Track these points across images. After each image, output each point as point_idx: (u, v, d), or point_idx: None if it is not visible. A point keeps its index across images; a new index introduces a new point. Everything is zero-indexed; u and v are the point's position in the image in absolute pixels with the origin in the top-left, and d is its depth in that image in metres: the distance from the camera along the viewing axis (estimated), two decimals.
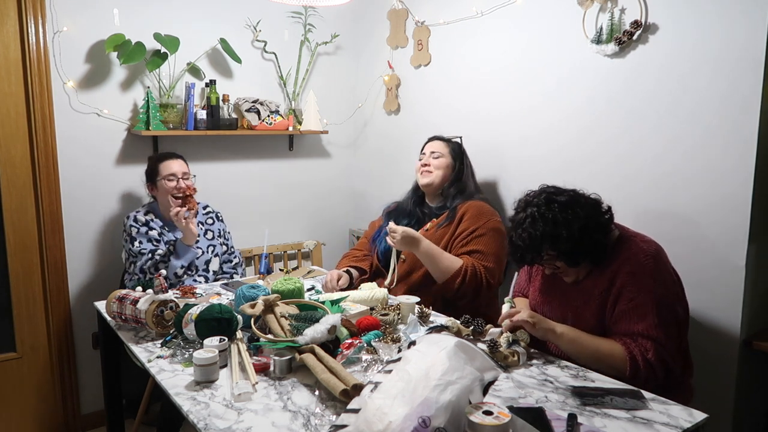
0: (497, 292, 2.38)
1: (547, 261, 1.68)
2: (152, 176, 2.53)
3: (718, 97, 1.86)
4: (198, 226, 2.60)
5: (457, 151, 2.41)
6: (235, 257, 2.73)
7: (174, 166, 2.50)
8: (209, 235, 2.63)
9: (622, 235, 1.69)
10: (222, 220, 2.74)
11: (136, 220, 2.49)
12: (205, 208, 2.70)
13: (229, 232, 2.76)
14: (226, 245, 2.71)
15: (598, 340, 1.60)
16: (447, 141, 2.43)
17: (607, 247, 1.66)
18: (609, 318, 1.63)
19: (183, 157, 2.58)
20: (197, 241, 2.51)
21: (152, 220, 2.51)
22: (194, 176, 2.61)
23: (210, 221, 2.67)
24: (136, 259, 2.43)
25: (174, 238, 2.49)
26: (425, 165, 2.37)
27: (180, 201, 2.41)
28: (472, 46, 2.67)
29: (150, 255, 2.41)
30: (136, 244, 2.45)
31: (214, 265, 2.60)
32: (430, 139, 2.46)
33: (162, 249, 2.44)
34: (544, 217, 1.62)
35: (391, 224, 2.16)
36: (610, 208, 1.70)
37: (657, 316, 1.55)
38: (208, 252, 2.58)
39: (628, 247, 1.64)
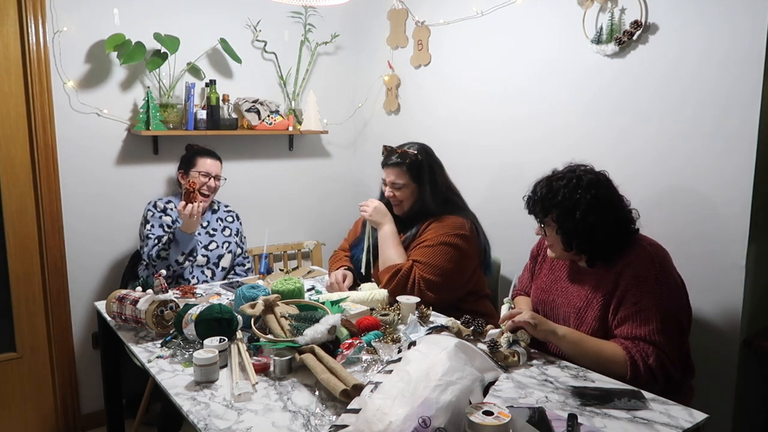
0: (486, 294, 2.37)
1: (545, 223, 1.70)
2: (188, 166, 2.59)
3: (718, 96, 1.86)
4: (217, 221, 2.67)
5: (416, 170, 2.17)
6: (248, 261, 2.77)
7: (212, 166, 2.58)
8: (227, 231, 2.67)
9: (614, 254, 1.67)
10: (240, 221, 2.78)
11: (155, 205, 2.55)
12: (227, 206, 2.77)
13: (245, 236, 2.80)
14: (241, 248, 2.74)
15: (600, 343, 1.60)
16: (402, 164, 2.16)
17: (612, 249, 1.65)
18: (611, 320, 1.62)
19: (221, 160, 2.66)
20: (212, 234, 2.60)
21: (172, 209, 2.55)
22: (225, 179, 2.66)
23: (230, 219, 2.73)
24: (144, 243, 2.47)
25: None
26: (392, 197, 2.23)
27: (186, 198, 2.35)
28: (473, 46, 2.67)
29: (156, 241, 2.43)
30: (148, 227, 2.49)
31: (226, 261, 2.62)
32: (386, 163, 2.22)
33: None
34: (574, 191, 1.63)
35: (366, 201, 2.25)
36: (637, 229, 1.69)
37: (660, 321, 1.54)
38: (222, 247, 2.61)
39: (634, 250, 1.64)
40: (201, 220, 2.57)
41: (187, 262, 2.43)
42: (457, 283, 2.13)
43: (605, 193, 1.66)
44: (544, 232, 1.72)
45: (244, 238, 2.79)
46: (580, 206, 1.61)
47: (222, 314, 1.65)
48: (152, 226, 2.49)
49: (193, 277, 2.51)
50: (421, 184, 2.18)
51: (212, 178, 2.56)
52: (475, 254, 2.17)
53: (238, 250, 2.71)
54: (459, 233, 2.12)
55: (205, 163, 2.57)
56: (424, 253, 2.10)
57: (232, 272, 2.70)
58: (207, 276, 2.56)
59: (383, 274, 2.13)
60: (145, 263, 2.50)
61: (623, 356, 1.54)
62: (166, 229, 2.50)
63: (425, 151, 2.22)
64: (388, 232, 2.19)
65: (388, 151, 2.22)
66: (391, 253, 2.15)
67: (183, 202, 2.31)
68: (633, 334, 1.55)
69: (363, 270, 2.30)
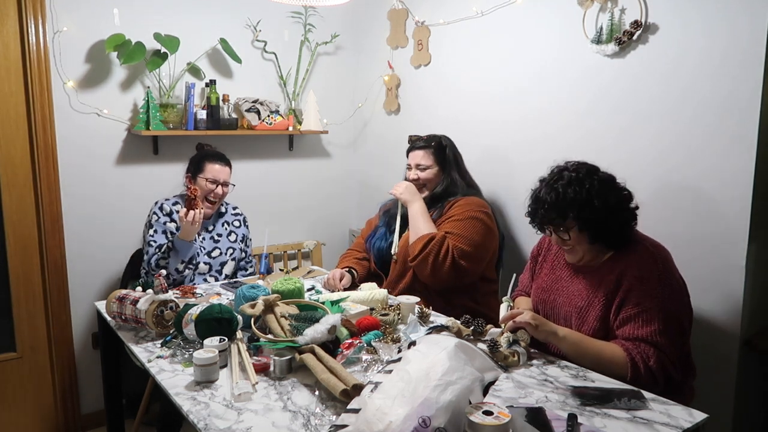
0: (495, 290, 2.38)
1: (564, 228, 1.66)
2: (196, 170, 2.51)
3: (718, 96, 1.86)
4: (223, 226, 2.61)
5: (441, 153, 2.35)
6: (251, 266, 2.72)
7: (221, 173, 2.50)
8: (232, 237, 2.61)
9: (632, 237, 1.68)
10: (247, 226, 2.72)
11: (161, 208, 2.49)
12: (234, 208, 2.70)
13: (250, 239, 2.75)
14: (245, 252, 2.69)
15: (600, 344, 1.59)
16: (428, 146, 2.35)
17: (625, 239, 1.66)
18: (613, 321, 1.62)
19: (231, 165, 2.58)
20: (216, 240, 2.55)
21: (178, 211, 2.48)
22: (233, 185, 2.59)
23: (237, 223, 2.66)
24: (147, 248, 2.44)
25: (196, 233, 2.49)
26: (416, 180, 2.35)
27: (188, 205, 2.33)
28: (473, 46, 2.67)
29: (157, 249, 2.40)
30: (151, 232, 2.45)
31: (229, 268, 2.58)
32: (412, 147, 2.40)
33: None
34: (581, 183, 1.62)
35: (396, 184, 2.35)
36: (637, 206, 1.70)
37: (661, 322, 1.54)
38: (226, 254, 2.57)
39: (636, 250, 1.64)
40: (206, 224, 2.55)
41: (187, 270, 2.40)
42: (484, 258, 2.23)
43: (603, 174, 1.68)
44: (567, 235, 1.66)
45: (250, 240, 2.74)
46: (594, 192, 1.61)
47: (222, 314, 1.65)
48: (155, 231, 2.44)
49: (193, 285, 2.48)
50: (446, 166, 2.33)
51: (220, 185, 2.49)
52: (497, 233, 2.28)
53: (242, 255, 2.66)
54: (484, 210, 2.24)
55: (213, 169, 2.49)
56: (455, 226, 2.19)
57: (234, 278, 2.67)
58: (210, 283, 2.52)
59: (416, 244, 2.17)
60: (145, 270, 2.45)
61: (624, 357, 1.53)
62: (170, 236, 2.44)
63: (449, 139, 2.42)
64: (418, 208, 2.26)
65: (414, 139, 2.42)
66: (422, 226, 2.21)
67: (184, 209, 2.28)
68: (634, 335, 1.55)
69: (395, 251, 2.33)
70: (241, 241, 2.65)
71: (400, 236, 2.34)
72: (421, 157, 2.34)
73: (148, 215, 2.51)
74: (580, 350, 1.59)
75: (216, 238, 2.57)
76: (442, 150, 2.35)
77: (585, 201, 1.61)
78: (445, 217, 2.24)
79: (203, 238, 2.53)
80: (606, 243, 1.66)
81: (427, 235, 2.16)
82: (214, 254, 2.54)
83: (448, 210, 2.26)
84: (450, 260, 2.11)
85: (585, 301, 1.68)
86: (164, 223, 2.46)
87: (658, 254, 1.62)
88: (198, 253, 2.46)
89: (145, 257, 2.43)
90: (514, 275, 1.95)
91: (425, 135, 2.42)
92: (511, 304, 1.85)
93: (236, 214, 2.68)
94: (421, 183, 2.34)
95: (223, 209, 2.65)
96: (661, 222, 2.02)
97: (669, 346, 1.54)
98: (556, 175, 1.69)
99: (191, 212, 2.27)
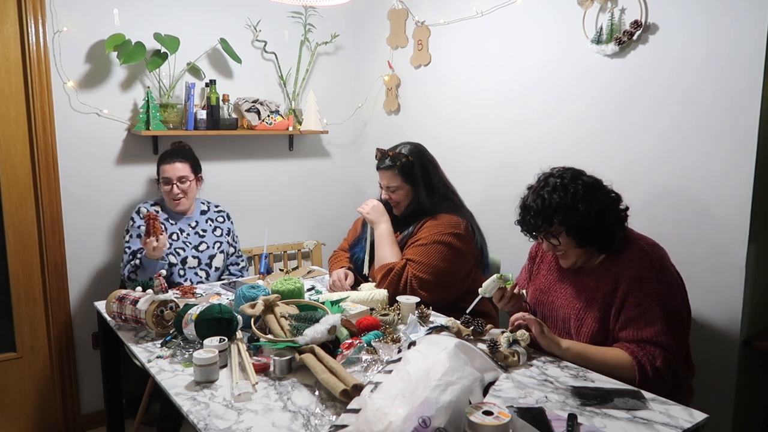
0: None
1: (552, 234, 1.66)
2: (157, 177, 2.55)
3: (718, 96, 1.86)
4: (207, 222, 2.63)
5: (408, 172, 2.18)
6: (242, 260, 2.74)
7: (172, 171, 2.47)
8: (218, 231, 2.64)
9: (627, 236, 1.68)
10: (231, 222, 2.75)
11: (138, 211, 2.51)
12: (217, 206, 2.74)
13: (237, 235, 2.77)
14: (234, 247, 2.72)
15: (604, 351, 1.58)
16: (393, 167, 2.18)
17: (616, 242, 1.65)
18: (614, 323, 1.61)
19: (187, 157, 2.53)
20: (202, 235, 2.57)
21: (158, 212, 2.50)
22: (195, 179, 2.54)
23: (221, 219, 2.70)
24: (123, 255, 2.46)
25: (179, 229, 2.53)
26: (388, 199, 2.26)
27: (147, 230, 2.28)
28: (472, 46, 2.68)
29: (131, 257, 2.40)
30: (127, 238, 2.48)
31: (218, 261, 2.60)
32: (379, 167, 2.24)
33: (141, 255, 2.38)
34: (566, 189, 1.62)
35: (365, 201, 2.28)
36: (627, 207, 1.69)
37: (664, 322, 1.53)
38: (213, 247, 2.59)
39: (632, 250, 1.63)
40: (189, 220, 2.57)
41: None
42: (452, 282, 2.13)
43: (588, 178, 1.67)
44: (557, 240, 1.67)
45: (237, 236, 2.77)
46: (578, 197, 1.61)
47: (222, 314, 1.65)
48: (131, 237, 2.44)
49: (185, 280, 2.49)
50: (415, 185, 2.20)
51: (174, 185, 2.45)
52: (471, 253, 2.17)
53: (231, 250, 2.69)
54: (453, 232, 2.12)
55: (164, 170, 2.46)
56: (417, 252, 2.11)
57: (227, 272, 2.69)
58: (201, 277, 2.54)
59: (377, 273, 2.15)
60: (123, 276, 2.43)
61: (630, 361, 1.53)
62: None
63: (418, 151, 2.24)
64: (384, 231, 2.21)
65: (381, 155, 2.25)
66: (386, 252, 2.16)
67: (145, 236, 2.25)
68: (638, 336, 1.55)
69: (366, 270, 2.29)
70: (227, 235, 2.68)
71: (371, 256, 2.28)
72: (389, 178, 2.20)
73: (128, 222, 2.52)
74: (585, 359, 1.57)
75: (201, 233, 2.59)
76: (409, 168, 2.18)
77: (569, 205, 1.61)
78: (414, 239, 2.17)
79: (188, 234, 2.55)
80: (595, 246, 1.66)
81: (387, 266, 2.11)
82: (201, 248, 2.56)
83: (417, 230, 2.18)
84: (409, 291, 2.05)
85: (583, 302, 1.68)
86: (139, 227, 2.46)
87: (653, 253, 1.62)
88: (181, 250, 2.48)
89: (122, 264, 2.45)
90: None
91: (392, 150, 2.22)
92: (504, 278, 1.81)
93: (219, 211, 2.72)
94: (393, 203, 2.26)
95: (204, 207, 2.67)
96: (661, 222, 2.02)
97: (674, 344, 1.53)
98: (542, 182, 1.69)
99: (151, 239, 2.23)
